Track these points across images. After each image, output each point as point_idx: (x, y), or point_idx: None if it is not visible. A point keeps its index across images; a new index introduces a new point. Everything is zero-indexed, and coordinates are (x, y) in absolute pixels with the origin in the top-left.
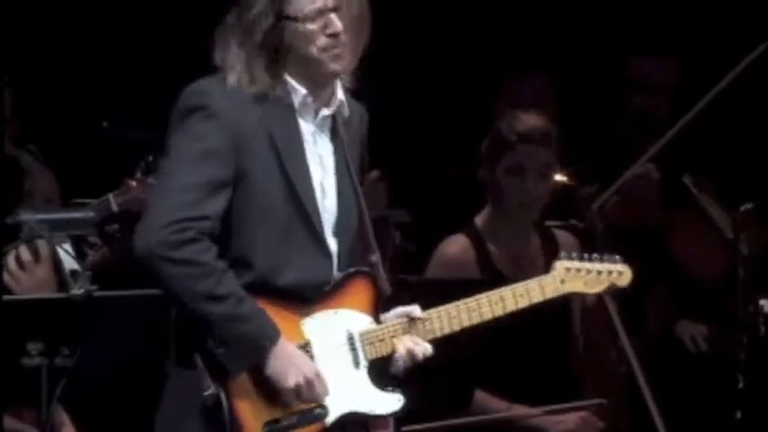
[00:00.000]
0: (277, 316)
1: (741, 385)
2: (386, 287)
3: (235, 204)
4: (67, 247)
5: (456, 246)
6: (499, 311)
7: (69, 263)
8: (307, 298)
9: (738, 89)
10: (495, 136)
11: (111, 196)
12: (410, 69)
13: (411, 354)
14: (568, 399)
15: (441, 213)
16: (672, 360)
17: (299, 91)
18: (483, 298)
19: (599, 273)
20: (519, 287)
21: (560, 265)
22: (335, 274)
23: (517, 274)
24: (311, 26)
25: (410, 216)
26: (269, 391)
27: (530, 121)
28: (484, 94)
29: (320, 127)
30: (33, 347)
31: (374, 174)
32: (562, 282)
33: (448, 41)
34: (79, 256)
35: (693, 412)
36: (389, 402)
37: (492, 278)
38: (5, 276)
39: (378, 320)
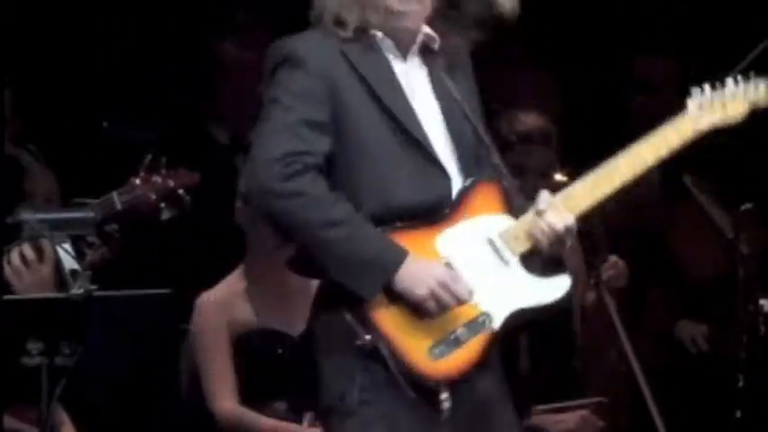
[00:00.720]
0: (407, 241)
1: (741, 385)
2: (513, 186)
3: (339, 148)
4: (67, 246)
5: None
6: (640, 167)
7: (69, 262)
8: (431, 218)
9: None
10: (494, 136)
11: (114, 194)
12: None
13: (550, 226)
14: (568, 398)
15: None
16: (672, 360)
17: (378, 34)
18: (619, 159)
19: (734, 95)
20: (653, 137)
21: (692, 103)
22: (456, 184)
23: None
24: None
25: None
26: (419, 317)
27: (529, 121)
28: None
29: (411, 64)
30: (33, 347)
31: None
32: (697, 119)
33: None
34: (78, 255)
35: (693, 412)
36: (554, 288)
37: None
38: (7, 271)
39: (515, 217)
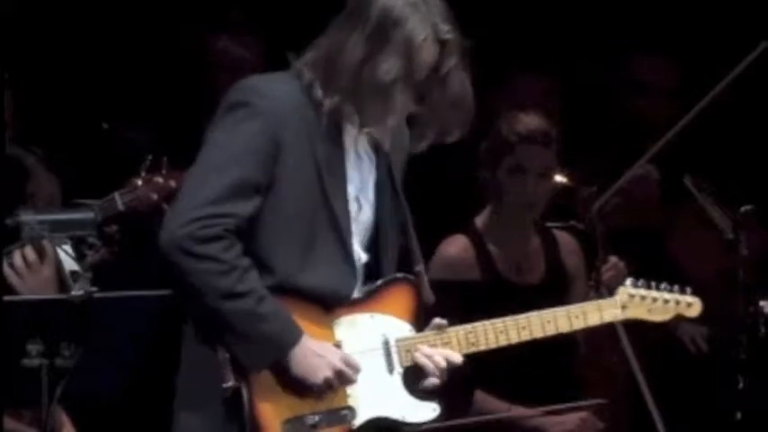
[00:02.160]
0: (305, 316)
1: (741, 385)
2: (429, 296)
3: (264, 207)
4: (67, 247)
5: (456, 246)
6: (551, 330)
7: (69, 264)
8: (334, 301)
9: (738, 89)
10: (494, 137)
11: (116, 195)
12: None
13: (433, 361)
14: (569, 399)
15: (441, 214)
16: (672, 360)
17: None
18: (534, 316)
19: (666, 302)
20: (575, 308)
21: (624, 291)
22: (359, 285)
23: (517, 276)
24: (406, 95)
25: (410, 216)
26: (292, 387)
27: (530, 121)
28: (480, 95)
29: (363, 140)
30: (33, 348)
31: None
32: (623, 307)
33: None
34: (79, 257)
35: (693, 412)
36: (423, 411)
37: (491, 279)
38: (8, 272)
39: (418, 329)
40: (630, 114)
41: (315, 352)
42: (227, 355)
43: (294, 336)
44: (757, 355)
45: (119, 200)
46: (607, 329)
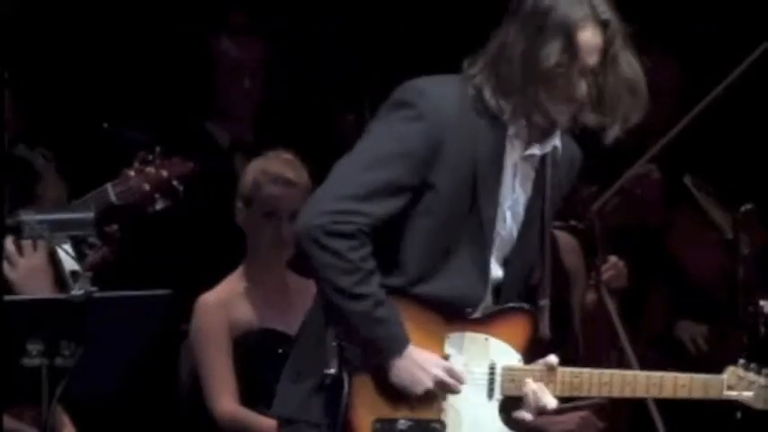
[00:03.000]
0: (421, 324)
1: None
2: (546, 332)
3: (411, 208)
4: (67, 247)
5: None
6: (654, 393)
7: (69, 263)
8: (455, 314)
9: (738, 89)
10: None
11: (109, 186)
12: (409, 70)
13: (538, 403)
14: (568, 399)
15: None
16: (672, 360)
17: (520, 121)
18: (641, 375)
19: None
20: (683, 377)
21: (733, 372)
22: (488, 300)
23: None
24: (579, 80)
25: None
26: (392, 390)
27: None
28: None
29: (525, 161)
30: (33, 347)
31: None
32: (729, 387)
33: (447, 44)
34: (79, 256)
35: (693, 412)
36: None
37: None
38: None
39: (527, 362)
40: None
41: (418, 364)
42: (335, 344)
43: (400, 345)
44: (757, 355)
45: (111, 191)
46: (607, 329)
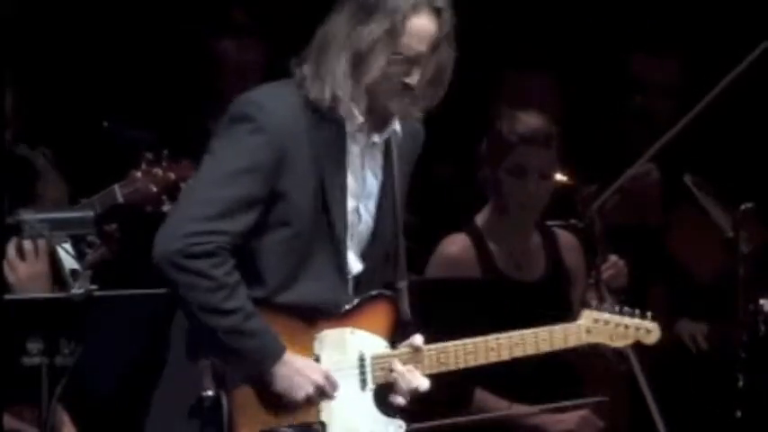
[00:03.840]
0: (287, 329)
1: (741, 385)
2: (406, 314)
3: (264, 218)
4: (67, 246)
5: (456, 244)
6: (518, 352)
7: (69, 262)
8: (319, 315)
9: (738, 89)
10: (494, 137)
11: (116, 187)
12: None
13: (404, 380)
14: (569, 398)
15: (441, 213)
16: (672, 360)
17: (357, 118)
18: (503, 338)
19: (626, 327)
20: (542, 331)
21: (588, 315)
22: (351, 296)
23: (518, 274)
24: (398, 68)
25: (411, 216)
26: (270, 400)
27: (530, 121)
28: (480, 94)
29: (370, 149)
30: (33, 346)
31: None
32: (587, 331)
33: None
34: (79, 255)
35: (693, 412)
36: (390, 428)
37: (492, 278)
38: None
39: (393, 346)
40: (630, 114)
41: (297, 369)
42: (208, 363)
43: (276, 352)
44: (757, 354)
45: (118, 192)
46: None
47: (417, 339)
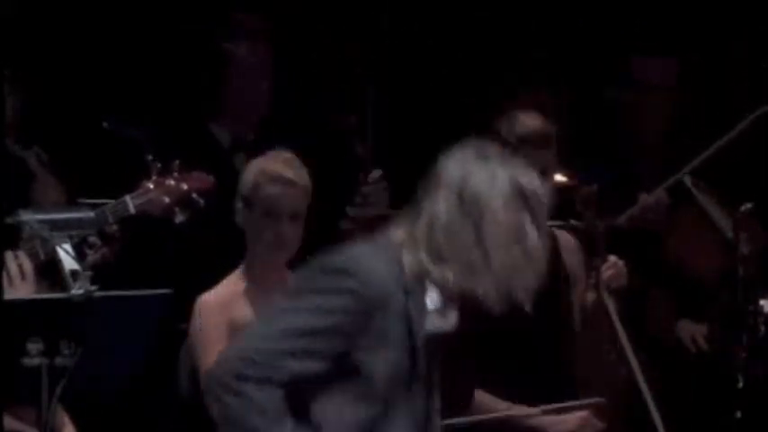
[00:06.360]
0: None
1: (741, 385)
2: None
3: (345, 378)
4: (67, 247)
5: None
6: None
7: (69, 263)
8: None
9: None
10: (494, 138)
11: (128, 198)
12: (410, 71)
13: None
14: (568, 399)
15: None
16: (672, 360)
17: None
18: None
19: None
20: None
21: None
22: None
23: None
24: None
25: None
26: None
27: (529, 122)
28: (482, 94)
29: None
30: (33, 347)
31: (376, 173)
32: None
33: (448, 44)
34: (79, 256)
35: (693, 412)
36: None
37: None
38: None
39: None
40: (630, 114)
41: None
42: None
43: None
44: (757, 354)
45: (130, 203)
46: (607, 329)
47: None
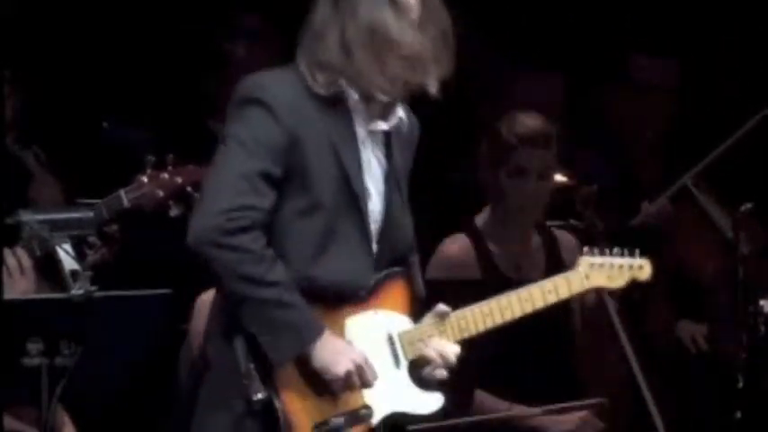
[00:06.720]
0: (319, 316)
1: (741, 385)
2: (420, 289)
3: (282, 201)
4: (67, 247)
5: (457, 245)
6: (529, 308)
7: (69, 263)
8: (347, 298)
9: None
10: (494, 138)
11: (122, 192)
12: None
13: (442, 355)
14: (568, 399)
15: (441, 214)
16: (672, 360)
17: (352, 95)
18: (513, 295)
19: (621, 267)
20: (546, 283)
21: (584, 261)
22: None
23: (517, 274)
24: (410, 35)
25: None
26: (318, 390)
27: (529, 122)
28: (479, 95)
29: (372, 135)
30: (33, 347)
31: None
32: (587, 277)
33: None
34: (79, 256)
35: (693, 412)
36: (430, 401)
37: (492, 278)
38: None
39: (414, 321)
40: (630, 114)
41: (336, 348)
42: (252, 366)
43: (318, 328)
44: (757, 354)
45: (124, 197)
46: (607, 329)
47: (441, 307)
